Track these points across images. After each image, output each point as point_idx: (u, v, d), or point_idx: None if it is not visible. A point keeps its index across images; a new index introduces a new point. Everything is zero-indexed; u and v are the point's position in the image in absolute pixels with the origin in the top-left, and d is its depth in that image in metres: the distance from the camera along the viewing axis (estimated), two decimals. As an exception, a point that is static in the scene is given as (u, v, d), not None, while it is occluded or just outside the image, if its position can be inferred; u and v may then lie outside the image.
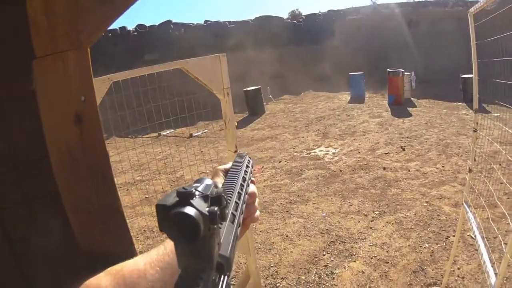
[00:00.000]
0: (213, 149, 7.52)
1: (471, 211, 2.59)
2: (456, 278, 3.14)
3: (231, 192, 0.47)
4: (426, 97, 12.98)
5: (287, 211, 4.70)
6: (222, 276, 0.32)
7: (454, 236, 3.73)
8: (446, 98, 12.37)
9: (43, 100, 0.54)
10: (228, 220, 0.39)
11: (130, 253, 0.63)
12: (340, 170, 6.09)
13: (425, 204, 4.63)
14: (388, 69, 13.01)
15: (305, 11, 25.77)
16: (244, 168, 0.58)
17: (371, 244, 3.85)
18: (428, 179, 5.44)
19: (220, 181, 0.58)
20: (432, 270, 3.31)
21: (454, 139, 7.51)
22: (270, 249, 3.94)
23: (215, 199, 0.33)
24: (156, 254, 0.51)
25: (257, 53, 16.25)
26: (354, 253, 3.70)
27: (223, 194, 0.34)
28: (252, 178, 0.61)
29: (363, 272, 3.40)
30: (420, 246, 3.72)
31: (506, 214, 2.28)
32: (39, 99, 0.54)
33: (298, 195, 5.18)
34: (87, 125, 0.60)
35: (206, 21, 17.69)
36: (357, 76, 14.24)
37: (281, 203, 4.92)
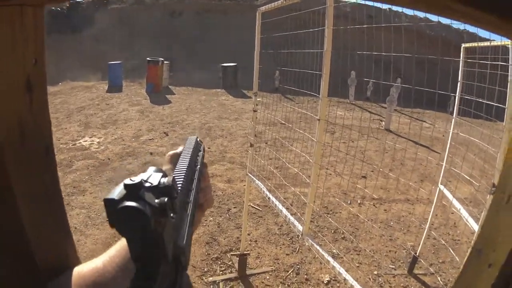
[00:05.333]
0: None
1: (256, 179, 3.06)
2: (250, 242, 3.66)
3: (182, 179, 0.43)
4: (184, 85, 14.16)
5: (67, 204, 4.36)
6: (180, 267, 0.31)
7: (235, 207, 4.32)
8: (205, 86, 14.00)
9: None
10: (181, 209, 0.38)
11: (69, 242, 0.59)
12: (109, 159, 6.04)
13: (197, 183, 5.08)
14: (148, 58, 13.44)
15: (70, -2, 23.06)
16: (195, 152, 0.55)
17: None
18: (196, 160, 6.01)
19: (171, 168, 0.55)
20: (224, 239, 3.70)
21: (217, 122, 8.68)
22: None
23: (165, 189, 0.30)
24: (114, 251, 0.50)
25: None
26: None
27: (173, 184, 0.31)
28: (204, 162, 0.59)
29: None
30: (206, 221, 4.03)
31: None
32: None
33: (74, 187, 4.91)
34: (37, 93, 0.51)
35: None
36: (115, 65, 13.90)
37: (59, 197, 4.36)
